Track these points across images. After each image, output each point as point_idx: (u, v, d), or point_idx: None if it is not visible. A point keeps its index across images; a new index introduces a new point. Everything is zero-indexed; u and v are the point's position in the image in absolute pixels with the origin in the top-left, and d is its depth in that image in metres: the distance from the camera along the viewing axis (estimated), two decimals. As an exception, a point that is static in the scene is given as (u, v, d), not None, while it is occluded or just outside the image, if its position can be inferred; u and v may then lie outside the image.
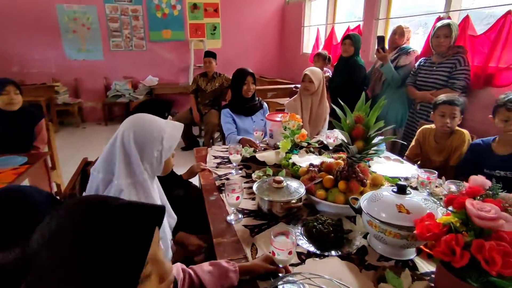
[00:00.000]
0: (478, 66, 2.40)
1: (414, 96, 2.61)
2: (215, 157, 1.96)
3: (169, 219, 1.20)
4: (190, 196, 1.88)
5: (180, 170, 1.97)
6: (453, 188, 1.20)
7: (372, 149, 1.29)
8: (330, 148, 1.90)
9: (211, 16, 5.83)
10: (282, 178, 1.31)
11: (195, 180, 1.89)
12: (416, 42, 3.19)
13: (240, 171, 1.74)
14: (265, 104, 2.48)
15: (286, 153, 1.74)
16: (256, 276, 0.94)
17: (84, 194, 1.05)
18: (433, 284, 0.88)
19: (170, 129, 1.06)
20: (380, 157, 1.78)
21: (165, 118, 1.73)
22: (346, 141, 1.27)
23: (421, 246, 1.02)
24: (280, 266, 0.94)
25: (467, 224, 0.79)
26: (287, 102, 2.42)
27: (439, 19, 2.67)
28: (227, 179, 1.65)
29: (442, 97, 1.88)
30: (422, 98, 2.52)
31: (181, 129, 1.10)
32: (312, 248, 1.07)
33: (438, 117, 1.85)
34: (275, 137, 2.04)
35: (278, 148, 1.79)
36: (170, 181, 1.79)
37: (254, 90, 2.33)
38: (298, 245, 1.08)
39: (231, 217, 1.27)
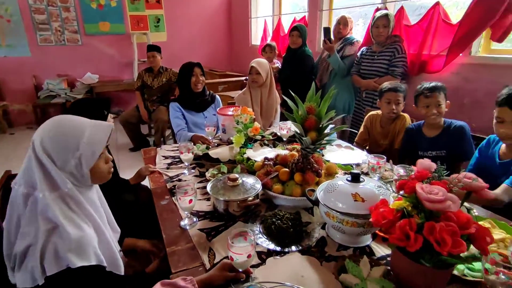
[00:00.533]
0: (414, 54, 2.57)
1: (359, 84, 2.72)
2: (165, 157, 1.83)
3: (113, 234, 1.07)
4: (140, 199, 1.74)
5: (128, 174, 1.81)
6: (402, 172, 1.26)
7: (324, 138, 1.29)
8: (284, 139, 1.89)
9: (153, 8, 5.48)
10: (237, 175, 1.25)
11: (146, 183, 1.75)
12: (358, 33, 3.32)
13: (193, 171, 1.64)
14: (218, 97, 2.39)
15: (240, 147, 1.69)
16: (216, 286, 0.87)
17: (7, 211, 0.87)
18: (389, 268, 0.90)
19: (91, 132, 0.90)
20: (332, 145, 1.81)
21: (105, 117, 1.57)
22: (299, 132, 1.25)
23: (376, 231, 1.04)
24: (240, 270, 0.88)
25: (417, 207, 0.81)
26: (237, 95, 2.36)
27: (377, 10, 2.80)
28: (179, 180, 1.54)
29: (386, 84, 1.98)
30: (366, 86, 2.64)
31: (109, 130, 0.95)
32: (272, 246, 1.03)
33: (385, 104, 1.95)
34: (228, 132, 1.97)
35: (232, 143, 1.73)
36: (116, 186, 1.63)
37: (203, 83, 2.22)
38: (257, 244, 1.04)
39: (185, 222, 1.18)
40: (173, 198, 1.36)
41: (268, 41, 4.33)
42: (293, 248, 1.02)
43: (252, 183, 1.25)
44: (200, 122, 2.23)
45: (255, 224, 1.15)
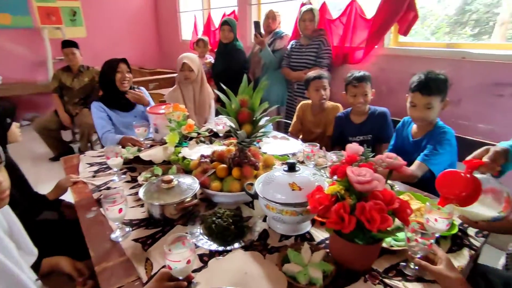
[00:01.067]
0: (337, 46, 2.75)
1: (290, 76, 2.81)
2: (91, 165, 1.64)
3: (25, 257, 0.91)
4: (66, 217, 1.53)
5: (48, 188, 1.56)
6: (334, 158, 1.32)
7: (260, 130, 1.29)
8: (221, 135, 1.85)
9: (66, -1, 4.88)
10: (171, 177, 1.17)
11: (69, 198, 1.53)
12: (287, 27, 3.42)
13: (124, 176, 1.50)
14: (147, 94, 2.21)
15: (175, 147, 1.59)
16: None
17: None
18: (328, 250, 0.93)
19: None
20: (268, 137, 1.83)
21: (7, 126, 1.33)
22: (234, 126, 1.22)
23: (314, 217, 1.08)
24: (181, 278, 0.82)
25: (349, 189, 0.85)
26: (167, 93, 2.23)
27: (303, 4, 2.91)
28: (108, 188, 1.39)
29: (310, 74, 2.10)
30: (297, 78, 2.74)
31: None
32: (214, 246, 0.99)
33: (314, 92, 2.05)
34: (161, 132, 1.85)
35: (165, 143, 1.62)
36: (32, 204, 1.41)
37: (130, 81, 2.05)
38: (198, 246, 0.98)
39: (116, 234, 1.07)
40: (101, 209, 1.22)
41: (199, 35, 4.21)
42: (236, 245, 0.99)
43: (189, 183, 1.18)
44: (130, 122, 2.05)
45: (195, 226, 1.09)
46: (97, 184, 1.43)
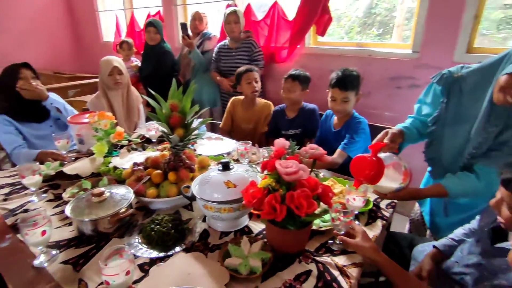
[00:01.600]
0: (263, 46, 2.87)
1: (216, 81, 2.84)
2: (0, 187, 1.44)
3: None
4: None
5: None
6: (265, 153, 1.40)
7: (193, 133, 1.30)
8: (153, 140, 1.80)
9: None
10: (102, 189, 1.11)
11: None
12: (215, 28, 3.44)
13: (45, 195, 1.36)
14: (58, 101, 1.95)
15: (104, 157, 1.50)
16: None
17: None
18: (266, 240, 1.00)
19: None
20: (203, 139, 1.84)
21: None
22: (166, 131, 1.21)
23: (251, 211, 1.14)
24: (120, 291, 0.80)
25: (279, 181, 0.92)
26: (89, 101, 2.07)
27: (228, 6, 2.97)
28: (26, 210, 1.25)
29: (241, 69, 2.18)
30: (221, 84, 2.77)
31: None
32: (154, 254, 0.97)
33: (246, 85, 2.14)
34: (87, 142, 1.72)
35: (93, 154, 1.52)
36: None
37: (39, 88, 1.81)
38: (138, 256, 0.96)
39: (40, 260, 0.97)
40: (18, 235, 1.09)
41: (123, 37, 3.97)
42: (177, 249, 0.99)
43: (123, 194, 1.14)
44: (46, 134, 1.84)
45: (133, 237, 1.06)
46: (10, 208, 1.27)
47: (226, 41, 2.78)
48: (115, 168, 1.40)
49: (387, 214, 1.17)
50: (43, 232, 0.94)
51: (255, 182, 0.98)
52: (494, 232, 0.86)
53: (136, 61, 3.32)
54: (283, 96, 1.99)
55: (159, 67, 2.95)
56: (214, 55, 2.83)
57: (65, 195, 1.30)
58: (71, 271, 0.93)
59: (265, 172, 0.97)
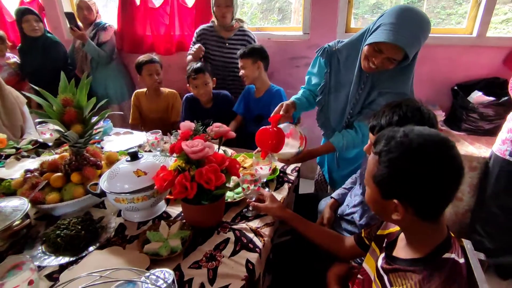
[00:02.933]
0: (165, 35, 2.76)
1: None
2: None
3: None
4: None
5: None
6: (173, 139, 1.40)
7: (98, 129, 1.22)
8: (50, 144, 1.61)
9: None
10: (-14, 204, 0.97)
11: None
12: (108, 17, 3.16)
13: None
14: None
15: (-16, 171, 1.29)
16: None
17: None
18: (184, 220, 1.03)
19: None
20: (110, 135, 1.74)
21: None
22: (60, 129, 1.11)
23: (168, 197, 1.15)
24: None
25: (189, 161, 0.96)
26: None
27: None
28: None
29: (142, 58, 2.13)
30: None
31: None
32: (65, 260, 0.91)
33: (147, 77, 2.10)
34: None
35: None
36: None
37: None
38: (44, 266, 0.88)
39: None
40: None
41: (-9, 30, 3.30)
42: (91, 248, 0.95)
43: (15, 205, 1.01)
44: None
45: (36, 249, 0.96)
46: None
47: (211, 24, 2.23)
48: (1, 180, 1.22)
49: (292, 178, 1.32)
50: None
51: (165, 166, 1.00)
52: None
53: (14, 57, 2.83)
54: (198, 92, 1.94)
55: (47, 60, 2.59)
56: (195, 38, 2.25)
57: None
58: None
59: (174, 155, 0.99)
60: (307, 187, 1.91)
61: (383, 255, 0.81)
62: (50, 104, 1.11)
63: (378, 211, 0.74)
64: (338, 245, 1.00)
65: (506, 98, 1.74)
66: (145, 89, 2.17)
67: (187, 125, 1.06)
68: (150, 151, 1.50)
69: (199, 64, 1.93)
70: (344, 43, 1.28)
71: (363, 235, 0.95)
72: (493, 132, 1.78)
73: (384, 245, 0.85)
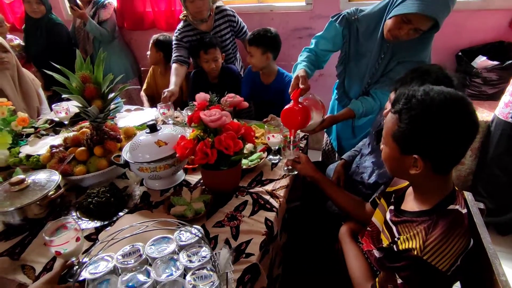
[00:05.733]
0: (140, 12, 2.78)
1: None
2: None
3: None
4: None
5: None
6: (188, 113, 1.46)
7: (112, 104, 1.27)
8: (66, 122, 1.66)
9: None
10: (21, 177, 1.04)
11: None
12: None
13: None
14: None
15: (9, 148, 1.36)
16: None
17: None
18: (204, 186, 1.11)
19: None
20: (122, 112, 1.79)
21: None
22: (82, 105, 1.15)
23: (185, 166, 1.22)
24: (73, 259, 0.82)
25: (207, 130, 1.02)
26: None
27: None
28: None
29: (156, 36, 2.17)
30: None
31: None
32: (98, 223, 1.00)
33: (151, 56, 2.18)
34: (-19, 137, 1.50)
35: (-7, 147, 1.36)
36: None
37: None
38: (82, 229, 0.97)
39: (-34, 260, 0.90)
40: None
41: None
42: (120, 214, 1.03)
43: (47, 177, 1.09)
44: None
45: (69, 216, 1.05)
46: None
47: (186, 21, 1.99)
48: (29, 156, 1.29)
49: (302, 145, 1.39)
50: (-38, 232, 0.87)
51: (184, 136, 1.06)
52: (378, 135, 1.13)
53: (17, 40, 2.83)
54: (208, 67, 1.90)
55: (51, 42, 2.60)
56: (176, 42, 2.01)
57: (-27, 195, 1.16)
58: (9, 261, 0.90)
59: (192, 125, 1.05)
60: (313, 158, 1.97)
61: (391, 208, 0.89)
62: (69, 81, 1.15)
63: (394, 167, 0.80)
64: (360, 209, 1.08)
65: (510, 61, 1.76)
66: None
67: (202, 96, 1.11)
68: (164, 122, 1.56)
69: (211, 38, 1.87)
70: (364, 14, 1.28)
71: (376, 196, 1.03)
72: (496, 97, 1.82)
73: (392, 200, 0.92)
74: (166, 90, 1.75)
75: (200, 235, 0.75)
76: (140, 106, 1.97)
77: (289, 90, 1.22)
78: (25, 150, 1.34)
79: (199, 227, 0.82)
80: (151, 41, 2.22)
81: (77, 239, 0.80)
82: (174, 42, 2.01)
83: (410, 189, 0.86)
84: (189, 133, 1.16)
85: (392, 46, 1.23)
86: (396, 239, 0.77)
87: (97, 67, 1.16)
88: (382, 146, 0.83)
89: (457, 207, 0.73)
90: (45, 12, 2.57)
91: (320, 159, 1.89)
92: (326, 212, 1.28)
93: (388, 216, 0.88)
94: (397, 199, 0.89)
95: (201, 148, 0.95)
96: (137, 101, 2.78)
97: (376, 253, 0.86)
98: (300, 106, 1.12)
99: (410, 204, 0.82)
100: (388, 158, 0.79)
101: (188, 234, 0.82)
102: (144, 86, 2.39)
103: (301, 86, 1.18)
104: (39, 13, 2.54)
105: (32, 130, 1.57)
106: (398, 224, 0.81)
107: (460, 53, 1.97)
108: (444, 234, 0.68)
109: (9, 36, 2.87)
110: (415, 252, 0.68)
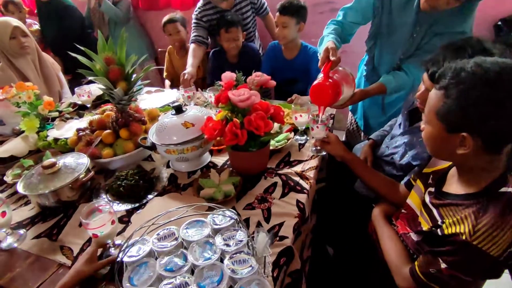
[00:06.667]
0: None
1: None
2: None
3: None
4: None
5: None
6: (211, 94, 1.42)
7: (135, 86, 1.25)
8: (88, 105, 1.67)
9: None
10: (53, 160, 1.05)
11: None
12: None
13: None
14: None
15: (38, 132, 1.38)
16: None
17: None
18: (231, 168, 1.09)
19: None
20: (142, 94, 1.78)
21: None
22: (107, 87, 1.14)
23: (211, 148, 1.20)
24: (109, 241, 0.83)
25: (234, 110, 0.98)
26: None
27: None
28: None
29: (164, 19, 2.13)
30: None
31: None
32: (129, 206, 1.00)
33: (168, 37, 2.16)
34: (8, 122, 1.53)
35: (23, 131, 1.38)
36: None
37: None
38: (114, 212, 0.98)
39: (8, 241, 0.93)
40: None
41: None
42: (150, 196, 1.03)
43: (76, 160, 1.10)
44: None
45: (100, 198, 1.06)
46: None
47: (206, 0, 1.92)
48: (56, 139, 1.31)
49: (329, 125, 1.34)
50: (3, 214, 0.90)
51: (211, 117, 1.03)
52: (410, 115, 1.07)
53: (36, 24, 2.83)
54: (229, 46, 1.84)
55: (64, 25, 2.58)
56: (196, 21, 1.96)
57: (8, 178, 1.19)
58: (48, 242, 0.93)
59: (220, 105, 1.02)
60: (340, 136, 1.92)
61: (430, 190, 0.84)
62: (93, 63, 1.13)
63: (438, 148, 0.74)
64: (393, 190, 1.03)
65: (555, 30, 1.62)
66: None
67: (228, 75, 1.07)
68: (185, 105, 1.53)
69: (232, 16, 1.81)
70: None
71: (411, 178, 0.98)
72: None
73: (429, 181, 0.88)
74: (186, 72, 1.72)
75: (237, 219, 0.73)
76: (160, 87, 1.95)
77: (319, 63, 1.13)
78: (52, 133, 1.35)
79: (232, 210, 0.81)
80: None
81: (112, 222, 0.81)
82: (193, 21, 1.96)
83: (453, 170, 0.81)
84: (214, 114, 1.14)
85: (428, 17, 1.14)
86: (440, 223, 0.73)
87: (119, 48, 1.13)
88: (423, 126, 0.77)
89: (510, 189, 0.68)
90: None
91: (343, 139, 1.84)
92: (354, 193, 1.25)
93: (427, 198, 0.83)
94: (438, 181, 0.84)
95: (231, 129, 0.93)
96: (155, 83, 2.76)
97: (414, 237, 0.83)
98: (331, 80, 1.05)
99: (454, 186, 0.78)
100: (431, 138, 0.74)
101: (221, 217, 0.81)
102: (165, 73, 2.39)
103: (332, 58, 1.09)
104: None
105: (57, 114, 1.58)
106: (440, 207, 0.76)
107: (499, 23, 1.82)
108: (496, 218, 0.63)
109: (28, 21, 2.87)
110: (464, 237, 0.64)
